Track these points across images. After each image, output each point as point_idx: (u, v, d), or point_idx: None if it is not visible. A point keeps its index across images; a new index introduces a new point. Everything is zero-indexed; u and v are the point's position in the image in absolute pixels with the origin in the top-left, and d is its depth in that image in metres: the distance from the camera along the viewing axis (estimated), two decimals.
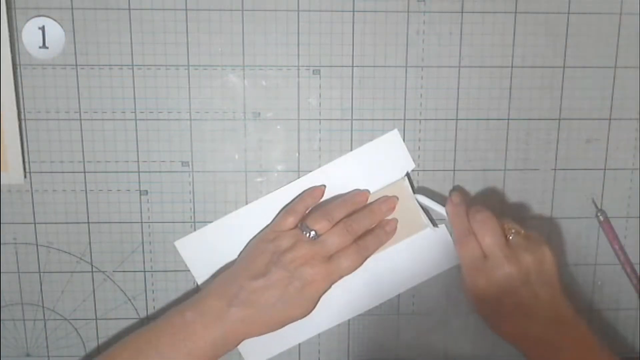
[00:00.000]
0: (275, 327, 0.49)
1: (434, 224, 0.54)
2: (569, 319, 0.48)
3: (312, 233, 0.49)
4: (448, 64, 0.52)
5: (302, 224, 0.50)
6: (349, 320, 0.56)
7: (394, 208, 0.53)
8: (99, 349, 0.55)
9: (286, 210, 0.52)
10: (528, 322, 0.48)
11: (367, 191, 0.53)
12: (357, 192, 0.53)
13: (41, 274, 0.54)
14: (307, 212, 0.52)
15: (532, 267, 0.48)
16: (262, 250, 0.50)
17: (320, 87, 0.52)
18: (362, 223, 0.51)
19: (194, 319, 0.48)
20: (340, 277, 0.50)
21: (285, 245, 0.49)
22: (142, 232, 0.54)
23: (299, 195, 0.53)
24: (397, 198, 0.53)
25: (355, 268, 0.50)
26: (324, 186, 0.53)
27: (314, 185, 0.53)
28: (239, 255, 0.53)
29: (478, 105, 0.53)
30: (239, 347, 0.54)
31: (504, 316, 0.48)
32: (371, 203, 0.53)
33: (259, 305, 0.48)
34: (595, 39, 0.53)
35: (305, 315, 0.49)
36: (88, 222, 0.53)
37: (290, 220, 0.51)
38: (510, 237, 0.49)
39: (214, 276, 0.54)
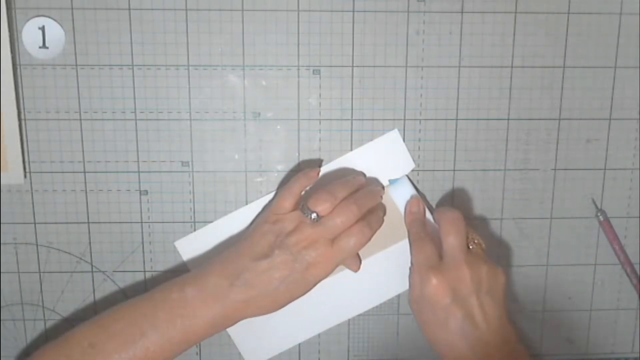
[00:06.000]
0: (274, 309, 0.48)
1: None
2: (515, 351, 0.47)
3: (314, 215, 0.48)
4: (448, 64, 0.52)
5: (303, 206, 0.49)
6: (349, 320, 0.56)
7: None
8: None
9: (283, 192, 0.50)
10: (472, 335, 0.47)
11: (364, 174, 0.53)
12: (357, 175, 0.52)
13: (41, 274, 0.54)
14: (303, 193, 0.51)
15: (485, 279, 0.48)
16: (264, 232, 0.49)
17: (320, 87, 0.52)
18: (365, 203, 0.50)
19: (193, 295, 0.47)
20: (345, 258, 0.49)
21: (289, 228, 0.48)
22: (142, 232, 0.54)
23: (295, 176, 0.51)
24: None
25: (361, 247, 0.49)
26: (319, 169, 0.52)
27: (308, 169, 0.52)
28: (240, 237, 0.52)
29: (478, 105, 0.53)
30: (239, 347, 0.54)
31: (445, 322, 0.47)
32: (370, 185, 0.52)
33: (261, 286, 0.47)
34: (595, 39, 0.53)
35: (303, 295, 0.49)
36: (88, 222, 0.53)
37: (289, 202, 0.50)
38: (471, 247, 0.49)
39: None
